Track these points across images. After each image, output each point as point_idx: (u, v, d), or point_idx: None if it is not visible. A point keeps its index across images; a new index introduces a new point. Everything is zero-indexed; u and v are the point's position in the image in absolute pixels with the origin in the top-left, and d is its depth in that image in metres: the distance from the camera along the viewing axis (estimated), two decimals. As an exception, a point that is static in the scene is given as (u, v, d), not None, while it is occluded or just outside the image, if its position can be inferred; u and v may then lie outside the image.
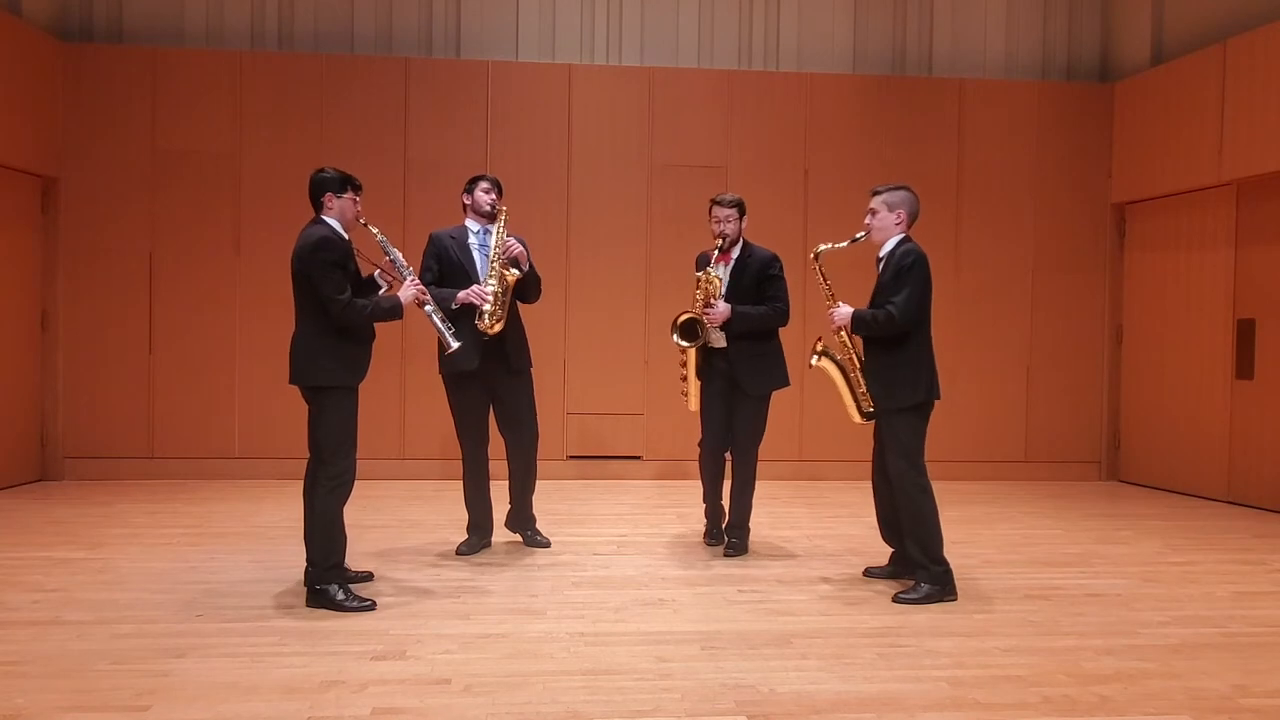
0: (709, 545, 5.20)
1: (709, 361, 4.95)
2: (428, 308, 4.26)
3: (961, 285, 7.65)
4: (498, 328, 4.73)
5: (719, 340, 4.88)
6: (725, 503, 5.17)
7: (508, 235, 4.79)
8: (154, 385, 7.14)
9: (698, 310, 4.83)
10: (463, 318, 4.66)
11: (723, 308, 4.80)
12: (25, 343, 6.87)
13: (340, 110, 7.25)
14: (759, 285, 4.89)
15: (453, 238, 4.89)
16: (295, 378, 4.03)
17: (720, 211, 4.88)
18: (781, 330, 5.00)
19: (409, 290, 4.16)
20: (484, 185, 4.91)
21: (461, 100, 7.34)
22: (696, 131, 7.51)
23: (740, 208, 4.92)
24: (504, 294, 4.75)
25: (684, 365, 4.98)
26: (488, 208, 4.86)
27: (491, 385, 4.86)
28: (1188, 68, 7.06)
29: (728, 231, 4.87)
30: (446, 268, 4.81)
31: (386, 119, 7.29)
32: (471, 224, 4.93)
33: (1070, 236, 7.81)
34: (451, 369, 4.78)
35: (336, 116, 7.24)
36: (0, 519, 5.70)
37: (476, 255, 4.85)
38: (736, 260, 4.92)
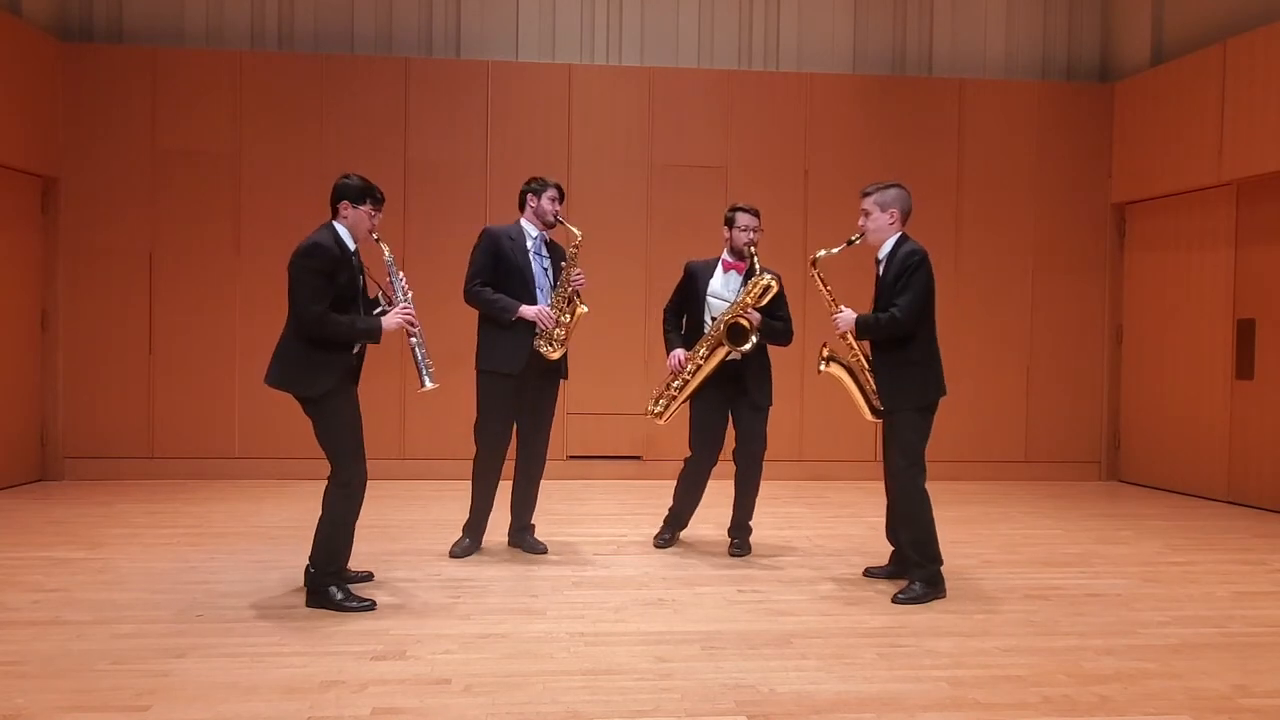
0: (658, 547, 5.16)
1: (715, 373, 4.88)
2: (414, 340, 4.13)
3: (961, 285, 7.64)
4: (557, 354, 4.74)
5: (736, 352, 4.81)
6: (732, 508, 5.13)
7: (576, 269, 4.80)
8: (154, 385, 7.14)
9: (744, 316, 4.75)
10: (519, 326, 4.71)
11: (756, 315, 4.78)
12: (25, 343, 6.87)
13: (340, 110, 7.25)
14: (768, 301, 4.83)
15: (511, 239, 4.82)
16: (270, 378, 3.96)
17: (750, 220, 4.85)
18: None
19: (396, 317, 4.04)
20: (551, 194, 4.84)
21: (461, 100, 7.34)
22: (696, 131, 7.51)
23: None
24: (573, 325, 4.76)
25: (691, 375, 4.87)
26: (551, 219, 4.83)
27: (522, 388, 4.83)
28: (1188, 68, 7.06)
29: (756, 240, 4.86)
30: (504, 268, 4.76)
31: (386, 119, 7.28)
32: (529, 228, 4.87)
33: (1070, 236, 7.81)
34: (494, 368, 4.75)
35: (336, 116, 7.24)
36: (0, 519, 5.70)
37: (534, 262, 4.83)
38: (748, 272, 4.88)
